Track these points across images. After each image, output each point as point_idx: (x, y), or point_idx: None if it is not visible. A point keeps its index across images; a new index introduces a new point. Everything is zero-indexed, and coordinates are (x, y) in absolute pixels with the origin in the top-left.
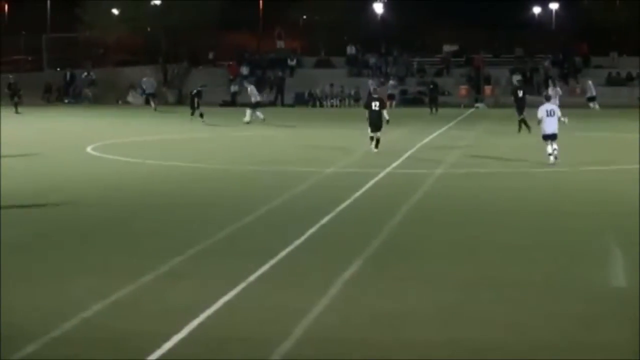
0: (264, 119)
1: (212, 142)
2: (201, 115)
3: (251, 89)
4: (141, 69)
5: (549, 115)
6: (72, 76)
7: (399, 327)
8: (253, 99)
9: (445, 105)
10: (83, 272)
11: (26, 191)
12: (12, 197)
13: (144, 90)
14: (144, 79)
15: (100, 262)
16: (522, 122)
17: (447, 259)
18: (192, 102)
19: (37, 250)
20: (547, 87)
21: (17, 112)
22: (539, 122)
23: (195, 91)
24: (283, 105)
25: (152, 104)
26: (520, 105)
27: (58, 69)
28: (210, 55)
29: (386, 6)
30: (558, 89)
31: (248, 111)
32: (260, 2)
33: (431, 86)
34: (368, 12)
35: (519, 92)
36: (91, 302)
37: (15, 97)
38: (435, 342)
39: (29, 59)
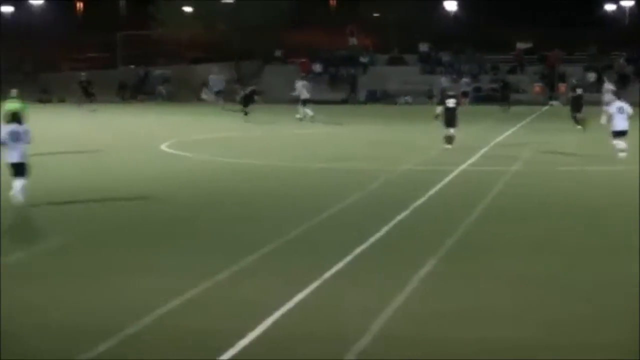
0: (313, 116)
1: (283, 140)
2: (245, 114)
3: (303, 84)
4: (214, 66)
5: (620, 113)
6: (146, 73)
7: (474, 325)
8: (302, 96)
9: (520, 103)
10: (157, 269)
11: (100, 187)
12: (87, 193)
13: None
14: (211, 77)
15: (174, 260)
16: (576, 119)
17: (523, 257)
18: (244, 100)
19: (112, 247)
20: (613, 84)
21: (92, 110)
22: (609, 119)
23: (248, 91)
24: (355, 102)
25: (217, 100)
26: (575, 103)
27: (132, 67)
28: (278, 53)
29: (459, 3)
30: (611, 86)
31: (300, 108)
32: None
33: (501, 84)
34: (440, 9)
35: (577, 90)
36: (166, 300)
37: (87, 95)
38: (510, 341)
39: (103, 56)
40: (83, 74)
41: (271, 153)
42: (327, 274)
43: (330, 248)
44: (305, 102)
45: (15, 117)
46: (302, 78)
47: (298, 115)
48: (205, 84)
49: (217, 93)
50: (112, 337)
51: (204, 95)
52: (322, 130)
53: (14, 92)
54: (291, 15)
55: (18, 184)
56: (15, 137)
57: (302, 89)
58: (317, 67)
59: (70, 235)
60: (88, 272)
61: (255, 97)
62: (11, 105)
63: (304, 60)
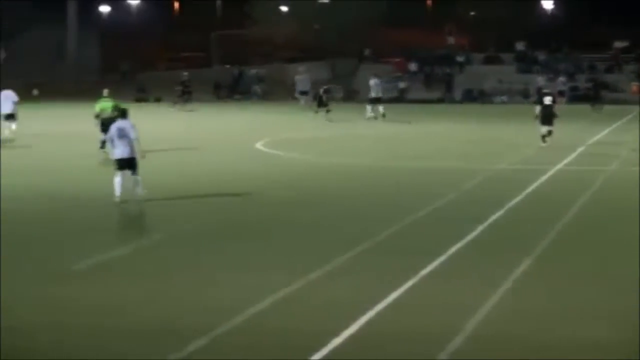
0: (384, 115)
1: (377, 139)
2: (327, 111)
3: (374, 82)
4: (301, 65)
5: None
6: (241, 73)
7: (568, 324)
8: (373, 94)
9: (617, 102)
10: (251, 267)
11: (197, 185)
12: (184, 191)
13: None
14: (297, 77)
15: (268, 258)
16: None
17: (618, 258)
18: (319, 99)
19: (207, 245)
20: None
21: (189, 110)
22: None
23: (322, 89)
24: (451, 101)
25: (302, 101)
26: None
27: (227, 66)
28: (367, 52)
29: (556, 1)
30: None
31: (368, 107)
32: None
33: (593, 83)
34: (537, 8)
35: None
36: (258, 299)
37: (185, 94)
38: (607, 342)
39: (199, 55)
40: (185, 73)
41: (365, 152)
42: (422, 273)
43: (425, 247)
44: (375, 101)
45: (121, 114)
46: (375, 76)
47: (369, 114)
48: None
49: (302, 93)
50: (203, 336)
51: (298, 94)
52: (416, 129)
53: (105, 91)
54: (387, 15)
55: (134, 179)
56: (122, 134)
57: (374, 87)
58: (413, 66)
59: (167, 233)
60: (181, 270)
61: (325, 97)
62: (103, 104)
63: (399, 59)
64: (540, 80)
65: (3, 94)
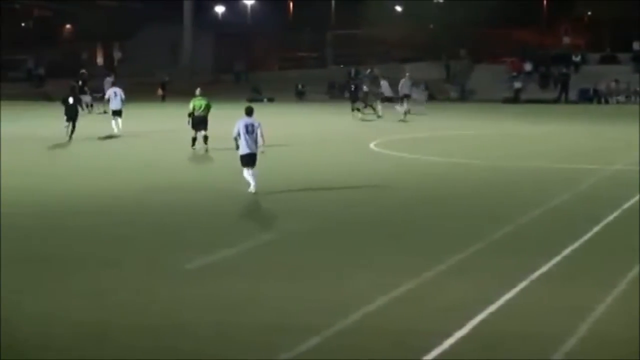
0: (379, 116)
1: (490, 139)
2: (358, 110)
3: (385, 84)
4: (423, 65)
5: None
6: (357, 72)
7: None
8: (386, 94)
9: None
10: (364, 266)
11: (311, 185)
12: (297, 190)
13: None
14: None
15: (381, 257)
16: None
17: None
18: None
19: (319, 244)
20: None
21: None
22: None
23: (353, 87)
24: (567, 102)
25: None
26: None
27: (341, 66)
28: (462, 53)
29: None
30: None
31: (398, 105)
32: None
33: None
34: None
35: None
36: (374, 297)
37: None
38: None
39: (313, 55)
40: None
41: (477, 152)
42: (535, 274)
43: (539, 248)
44: (404, 98)
45: (248, 111)
46: (408, 77)
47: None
48: (415, 83)
49: (405, 97)
50: (316, 336)
51: (413, 95)
52: (530, 129)
53: (198, 90)
54: (503, 14)
55: (251, 173)
56: (250, 130)
57: (386, 87)
58: (528, 66)
59: (280, 232)
60: (297, 268)
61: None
62: (196, 102)
63: (513, 59)
64: None
65: (114, 91)
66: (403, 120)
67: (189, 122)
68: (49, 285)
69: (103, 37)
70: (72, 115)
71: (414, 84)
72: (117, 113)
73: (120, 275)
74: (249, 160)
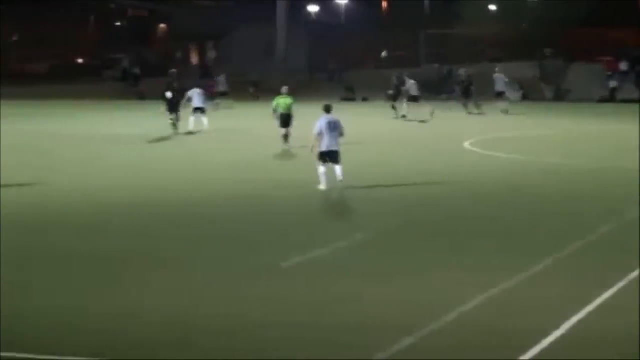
0: (432, 113)
1: (586, 138)
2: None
3: (410, 84)
4: (516, 65)
5: None
6: (450, 72)
7: None
8: (412, 93)
9: None
10: (457, 267)
11: (403, 183)
12: (387, 188)
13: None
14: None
15: (474, 258)
16: None
17: None
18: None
19: (412, 243)
20: None
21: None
22: None
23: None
24: None
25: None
26: None
27: (436, 65)
28: (547, 52)
29: None
30: None
31: (404, 105)
32: None
33: None
34: None
35: None
36: (468, 297)
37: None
38: None
39: (408, 55)
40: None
41: (571, 151)
42: (632, 275)
43: (636, 247)
44: (413, 99)
45: (327, 109)
46: (409, 77)
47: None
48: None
49: (499, 94)
50: (409, 336)
51: (507, 94)
52: (626, 129)
53: (284, 89)
54: (600, 13)
55: (337, 169)
56: (333, 127)
57: (412, 87)
58: (624, 66)
59: (372, 231)
60: (386, 269)
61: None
62: (280, 100)
63: (609, 58)
64: None
65: (196, 90)
66: (506, 113)
67: (276, 118)
68: None
69: (197, 36)
70: (173, 108)
71: (508, 82)
72: (200, 110)
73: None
74: (331, 156)
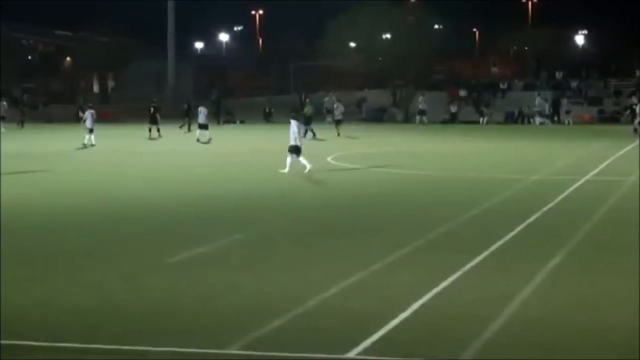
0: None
1: (437, 153)
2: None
3: (336, 105)
4: (375, 92)
5: None
6: (306, 97)
7: (598, 311)
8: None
9: None
10: (322, 260)
11: (277, 189)
12: (263, 197)
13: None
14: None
15: (335, 252)
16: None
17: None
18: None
19: (283, 244)
20: None
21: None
22: None
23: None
24: (494, 122)
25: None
26: None
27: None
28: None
29: (586, 37)
30: None
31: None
32: (477, 34)
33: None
34: (571, 42)
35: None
36: (330, 285)
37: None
38: (621, 325)
39: (280, 84)
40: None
41: (419, 164)
42: (467, 266)
43: (470, 244)
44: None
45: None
46: (337, 100)
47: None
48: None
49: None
50: (282, 315)
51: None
52: (464, 145)
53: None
54: (440, 47)
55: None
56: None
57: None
58: (463, 92)
59: (251, 232)
60: (263, 263)
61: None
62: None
63: (451, 87)
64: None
65: (200, 109)
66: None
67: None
68: None
69: (98, 68)
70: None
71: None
72: (203, 126)
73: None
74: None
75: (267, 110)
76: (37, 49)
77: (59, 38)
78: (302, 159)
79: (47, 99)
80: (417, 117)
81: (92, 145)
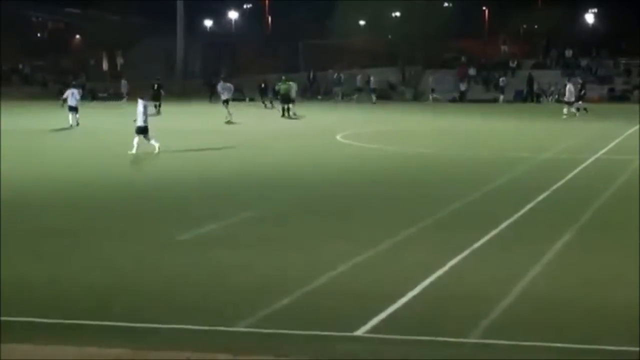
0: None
1: (445, 132)
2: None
3: (223, 86)
4: (382, 70)
5: None
6: (314, 76)
7: (606, 290)
8: (223, 97)
9: None
10: (331, 239)
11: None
12: (275, 175)
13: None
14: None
15: (345, 231)
16: None
17: None
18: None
19: (294, 220)
20: None
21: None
22: None
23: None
24: (504, 102)
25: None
26: None
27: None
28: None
29: (596, 15)
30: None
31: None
32: (487, 13)
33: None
34: (581, 21)
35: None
36: (339, 263)
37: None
38: (626, 302)
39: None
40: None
41: (438, 142)
42: (476, 245)
43: (479, 223)
44: (225, 102)
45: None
46: (224, 80)
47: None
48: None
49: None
50: (291, 294)
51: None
52: (476, 124)
53: (284, 77)
54: (450, 26)
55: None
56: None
57: (222, 90)
58: (472, 71)
59: (263, 210)
60: (271, 240)
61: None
62: (283, 85)
63: (461, 64)
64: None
65: (222, 85)
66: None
67: (277, 98)
68: None
69: (107, 46)
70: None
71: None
72: (225, 102)
73: None
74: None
75: (276, 88)
76: (47, 26)
77: (68, 16)
78: (153, 141)
79: (56, 76)
80: (430, 96)
81: (77, 125)
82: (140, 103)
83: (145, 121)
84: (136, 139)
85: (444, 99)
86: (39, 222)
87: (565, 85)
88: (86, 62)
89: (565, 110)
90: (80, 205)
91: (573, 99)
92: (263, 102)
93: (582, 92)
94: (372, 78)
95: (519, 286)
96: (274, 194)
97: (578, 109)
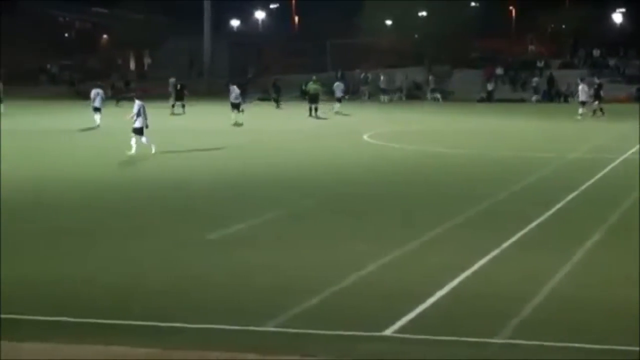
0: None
1: (471, 131)
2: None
3: (337, 85)
4: (409, 70)
5: None
6: (342, 75)
7: (635, 289)
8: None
9: None
10: (358, 238)
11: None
12: (301, 173)
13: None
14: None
15: (373, 231)
16: None
17: None
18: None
19: (321, 219)
20: None
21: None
22: None
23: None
24: (531, 101)
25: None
26: None
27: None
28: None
29: (624, 15)
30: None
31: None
32: (513, 12)
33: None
34: (609, 21)
35: None
36: (366, 263)
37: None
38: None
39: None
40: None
41: (461, 142)
42: (505, 244)
43: (508, 222)
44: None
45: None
46: (234, 83)
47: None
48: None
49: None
50: (320, 293)
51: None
52: (504, 124)
53: (314, 77)
54: (477, 26)
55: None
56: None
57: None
58: (499, 70)
59: (289, 210)
60: (297, 240)
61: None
62: (312, 85)
63: (488, 64)
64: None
65: (231, 88)
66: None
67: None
68: None
69: (134, 46)
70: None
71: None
72: (234, 106)
73: None
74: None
75: (303, 87)
76: (74, 26)
77: (95, 15)
78: (144, 139)
79: (82, 75)
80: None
81: (98, 126)
82: (136, 105)
83: (141, 122)
84: (133, 140)
85: (472, 99)
86: (65, 222)
87: (578, 85)
88: (114, 62)
89: (580, 111)
90: (95, 206)
91: (586, 99)
92: (274, 101)
93: (599, 92)
94: (400, 77)
95: (549, 286)
96: (299, 194)
97: (594, 110)
